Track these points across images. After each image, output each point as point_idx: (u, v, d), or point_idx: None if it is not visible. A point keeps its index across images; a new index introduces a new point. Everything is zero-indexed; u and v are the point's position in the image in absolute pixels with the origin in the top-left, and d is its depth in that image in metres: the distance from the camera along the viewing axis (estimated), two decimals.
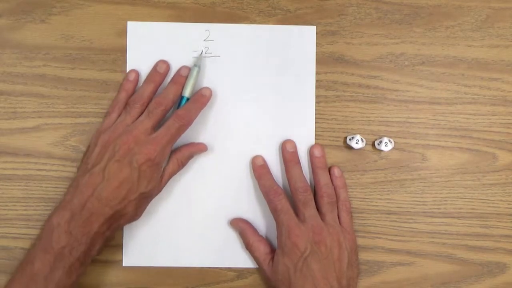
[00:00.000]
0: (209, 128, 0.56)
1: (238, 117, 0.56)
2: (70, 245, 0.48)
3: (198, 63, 0.54)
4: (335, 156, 0.56)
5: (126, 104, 0.53)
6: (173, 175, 0.53)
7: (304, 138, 0.56)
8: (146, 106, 0.53)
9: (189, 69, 0.54)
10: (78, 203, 0.49)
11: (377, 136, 0.56)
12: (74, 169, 0.55)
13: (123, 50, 0.56)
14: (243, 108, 0.56)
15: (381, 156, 0.56)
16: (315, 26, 0.56)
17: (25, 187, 0.55)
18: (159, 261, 0.55)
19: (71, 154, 0.55)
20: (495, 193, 0.56)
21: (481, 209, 0.56)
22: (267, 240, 0.55)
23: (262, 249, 0.53)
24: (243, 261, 0.56)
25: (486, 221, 0.56)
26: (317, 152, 0.55)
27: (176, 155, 0.53)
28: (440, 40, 0.57)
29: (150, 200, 0.53)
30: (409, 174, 0.56)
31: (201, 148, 0.55)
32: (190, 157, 0.54)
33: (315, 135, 0.56)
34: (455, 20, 0.57)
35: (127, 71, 0.55)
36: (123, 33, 0.56)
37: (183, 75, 0.54)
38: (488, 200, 0.56)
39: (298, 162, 0.55)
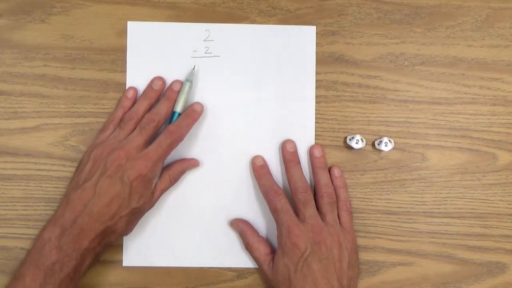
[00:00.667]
0: (209, 128, 0.56)
1: (238, 117, 0.56)
2: (61, 261, 0.48)
3: (190, 78, 0.54)
4: (335, 156, 0.56)
5: (121, 120, 0.54)
6: (164, 191, 0.54)
7: (304, 138, 0.56)
8: (140, 122, 0.53)
9: (182, 84, 0.54)
10: (69, 219, 0.49)
11: (377, 136, 0.56)
12: (74, 169, 0.55)
13: (123, 50, 0.56)
14: (243, 108, 0.56)
15: (381, 156, 0.56)
16: (315, 26, 0.56)
17: (25, 187, 0.55)
18: (159, 261, 0.55)
19: (71, 154, 0.55)
20: (495, 193, 0.56)
21: (481, 209, 0.56)
22: (267, 241, 0.55)
23: (262, 250, 0.53)
24: (243, 261, 0.56)
25: (486, 221, 0.56)
26: (317, 152, 0.55)
27: (168, 171, 0.53)
28: (440, 40, 0.57)
29: (141, 216, 0.53)
30: (409, 174, 0.56)
31: (193, 164, 0.55)
32: (182, 172, 0.55)
33: (315, 135, 0.56)
34: (455, 20, 0.57)
35: (126, 88, 0.55)
36: (123, 33, 0.56)
37: (175, 90, 0.54)
38: (488, 200, 0.56)
39: (298, 162, 0.55)
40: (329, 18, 0.56)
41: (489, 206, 0.56)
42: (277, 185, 0.54)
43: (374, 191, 0.56)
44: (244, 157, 0.56)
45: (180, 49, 0.56)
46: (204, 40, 0.56)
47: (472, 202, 0.56)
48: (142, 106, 0.54)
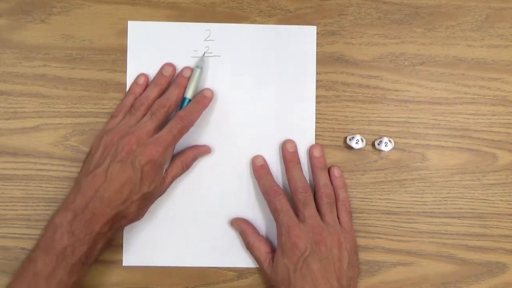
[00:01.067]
0: (209, 128, 0.56)
1: (238, 117, 0.56)
2: (72, 245, 0.48)
3: (200, 64, 0.55)
4: (335, 156, 0.56)
5: (131, 106, 0.54)
6: (176, 177, 0.54)
7: (304, 138, 0.56)
8: (151, 108, 0.53)
9: (192, 70, 0.55)
10: (80, 204, 0.49)
11: (377, 136, 0.56)
12: (74, 169, 0.55)
13: (123, 50, 0.56)
14: (243, 108, 0.56)
15: (381, 156, 0.56)
16: (315, 26, 0.56)
17: (25, 187, 0.55)
18: (159, 261, 0.55)
19: (71, 154, 0.55)
20: (495, 193, 0.56)
21: (481, 209, 0.56)
22: (268, 240, 0.55)
23: (262, 249, 0.53)
24: (243, 261, 0.56)
25: (486, 221, 0.56)
26: (316, 152, 0.55)
27: (180, 158, 0.53)
28: (440, 40, 0.57)
29: (153, 202, 0.53)
30: (409, 174, 0.56)
31: (205, 150, 0.55)
32: (194, 159, 0.55)
33: (315, 135, 0.56)
34: (455, 20, 0.57)
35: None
36: (123, 33, 0.56)
37: (185, 77, 0.54)
38: (488, 200, 0.56)
39: (298, 162, 0.55)
40: (329, 18, 0.56)
41: (489, 206, 0.56)
42: (277, 185, 0.54)
43: (374, 191, 0.56)
44: (244, 157, 0.56)
45: (181, 49, 0.56)
46: (204, 40, 0.56)
47: (472, 202, 0.56)
48: (152, 93, 0.54)
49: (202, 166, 0.56)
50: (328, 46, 0.56)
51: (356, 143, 0.55)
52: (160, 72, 0.55)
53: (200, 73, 0.54)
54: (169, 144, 0.51)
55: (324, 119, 0.56)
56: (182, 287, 0.56)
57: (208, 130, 0.56)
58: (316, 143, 0.56)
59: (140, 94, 0.54)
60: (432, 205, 0.56)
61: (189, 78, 0.54)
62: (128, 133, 0.51)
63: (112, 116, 0.54)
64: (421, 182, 0.56)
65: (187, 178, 0.56)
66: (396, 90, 0.56)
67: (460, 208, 0.56)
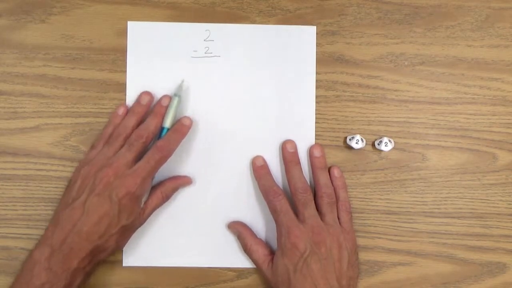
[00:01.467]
0: (209, 128, 0.56)
1: (238, 117, 0.56)
2: (50, 282, 0.47)
3: (178, 93, 0.54)
4: (335, 156, 0.56)
5: (109, 137, 0.53)
6: (156, 208, 0.53)
7: (304, 138, 0.56)
8: (129, 139, 0.52)
9: (170, 99, 0.54)
10: (58, 238, 0.48)
11: (377, 136, 0.56)
12: (74, 169, 0.55)
13: (123, 50, 0.56)
14: (243, 108, 0.56)
15: (381, 156, 0.56)
16: (315, 26, 0.56)
17: (25, 187, 0.55)
18: (159, 261, 0.55)
19: (71, 154, 0.55)
20: (495, 193, 0.56)
21: (481, 209, 0.56)
22: (265, 242, 0.55)
23: (260, 251, 0.53)
24: (243, 261, 0.55)
25: (486, 221, 0.56)
26: (316, 152, 0.55)
27: (161, 188, 0.53)
28: (440, 40, 0.57)
29: (132, 233, 0.52)
30: (409, 174, 0.56)
31: (186, 181, 0.55)
32: (174, 190, 0.54)
33: (315, 135, 0.56)
34: (455, 20, 0.57)
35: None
36: (123, 33, 0.56)
37: (163, 105, 0.54)
38: (488, 200, 0.56)
39: (298, 163, 0.55)
40: (329, 18, 0.56)
41: (489, 206, 0.56)
42: (277, 186, 0.54)
43: (374, 191, 0.56)
44: (244, 157, 0.56)
45: (180, 49, 0.56)
46: (204, 40, 0.56)
47: (472, 202, 0.56)
48: (130, 122, 0.53)
49: (202, 166, 0.56)
50: (328, 46, 0.56)
51: (356, 143, 0.55)
52: (138, 101, 0.55)
53: (179, 101, 0.54)
54: (147, 175, 0.50)
55: (324, 119, 0.56)
56: (182, 287, 0.56)
57: (208, 131, 0.56)
58: (316, 143, 0.56)
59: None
60: (432, 205, 0.56)
61: (167, 107, 0.54)
62: (106, 165, 0.50)
63: (92, 146, 0.54)
64: (421, 182, 0.56)
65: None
66: (396, 90, 0.56)
67: (460, 208, 0.56)
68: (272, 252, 0.53)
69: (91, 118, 0.56)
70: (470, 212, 0.56)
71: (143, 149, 0.52)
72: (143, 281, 0.55)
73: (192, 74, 0.56)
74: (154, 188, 0.53)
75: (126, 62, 0.56)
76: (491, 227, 0.56)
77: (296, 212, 0.52)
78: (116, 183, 0.49)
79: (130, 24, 0.56)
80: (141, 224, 0.52)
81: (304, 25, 0.56)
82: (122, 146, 0.52)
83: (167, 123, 0.53)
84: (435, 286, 0.56)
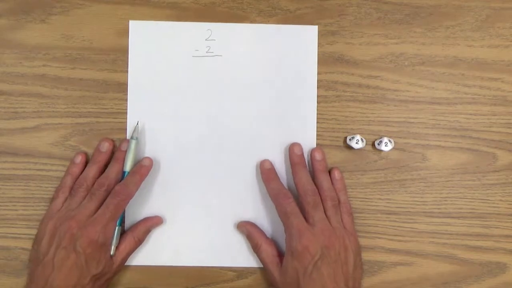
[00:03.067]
0: (210, 127, 0.56)
1: (239, 116, 0.56)
2: None
3: (134, 136, 0.54)
4: (335, 156, 0.56)
5: (71, 189, 0.53)
6: (131, 253, 0.53)
7: (306, 138, 0.56)
8: (91, 189, 0.52)
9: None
10: None
11: (377, 136, 0.56)
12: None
13: (123, 50, 0.56)
14: (244, 107, 0.56)
15: (381, 156, 0.56)
16: (316, 26, 0.56)
17: (25, 187, 0.55)
18: (159, 261, 0.55)
19: (71, 154, 0.55)
20: (495, 193, 0.56)
21: (481, 209, 0.56)
22: (275, 243, 0.55)
23: (270, 251, 0.53)
24: (243, 261, 0.55)
25: (486, 221, 0.56)
26: (318, 156, 0.55)
27: (132, 233, 0.53)
28: (440, 40, 0.57)
29: (108, 281, 0.52)
30: (409, 174, 0.56)
31: (156, 222, 0.55)
32: (146, 232, 0.54)
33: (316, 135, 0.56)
34: (455, 20, 0.57)
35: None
36: (123, 33, 0.56)
37: (123, 150, 0.54)
38: (488, 200, 0.56)
39: (306, 165, 0.55)
40: (329, 18, 0.56)
41: (489, 206, 0.56)
42: (286, 189, 0.54)
43: (374, 191, 0.56)
44: (245, 157, 0.56)
45: (182, 48, 0.56)
46: (206, 40, 0.56)
47: (472, 202, 0.56)
48: (91, 172, 0.53)
49: (202, 166, 0.56)
50: (328, 46, 0.56)
51: (356, 143, 0.55)
52: (97, 149, 0.55)
53: (136, 144, 0.54)
54: (107, 222, 0.50)
55: (324, 119, 0.56)
56: (182, 287, 0.55)
57: (208, 130, 0.56)
58: (317, 146, 0.55)
59: (78, 174, 0.54)
60: (432, 205, 0.56)
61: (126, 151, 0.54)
62: (69, 217, 0.50)
63: (53, 198, 0.54)
64: (421, 182, 0.56)
65: (187, 178, 0.56)
66: (396, 90, 0.56)
67: (460, 208, 0.56)
68: (280, 253, 0.53)
69: (91, 118, 0.56)
70: (470, 212, 0.56)
71: (106, 197, 0.52)
72: (143, 281, 0.55)
73: (193, 73, 0.56)
74: (126, 233, 0.54)
75: (126, 62, 0.56)
76: (491, 227, 0.56)
77: (304, 215, 0.52)
78: (78, 234, 0.49)
79: (132, 23, 0.56)
80: (115, 270, 0.52)
81: (304, 25, 0.56)
82: (84, 197, 0.52)
83: (127, 167, 0.53)
84: (435, 286, 0.56)
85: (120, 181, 0.53)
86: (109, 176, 0.53)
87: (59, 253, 0.49)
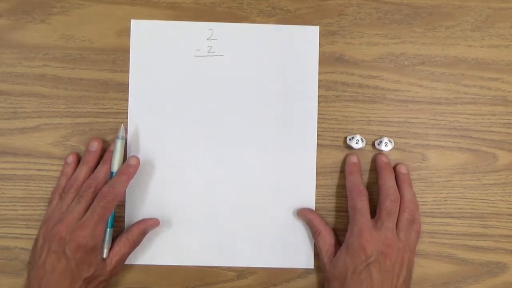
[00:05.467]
0: (210, 127, 0.56)
1: (239, 116, 0.56)
2: None
3: (120, 135, 0.54)
4: (335, 156, 0.56)
5: (62, 191, 0.53)
6: (126, 255, 0.53)
7: (306, 138, 0.56)
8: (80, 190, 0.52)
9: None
10: None
11: (377, 136, 0.56)
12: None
13: (123, 50, 0.56)
14: (245, 107, 0.56)
15: None
16: (318, 26, 0.56)
17: (25, 187, 0.55)
18: (159, 261, 0.55)
19: None
20: (495, 193, 0.56)
21: (481, 209, 0.56)
22: (333, 232, 0.54)
23: (327, 240, 0.53)
24: (243, 260, 0.56)
25: (486, 221, 0.56)
26: (403, 169, 0.55)
27: (127, 235, 0.53)
28: (440, 40, 0.57)
29: (104, 281, 0.52)
30: (409, 174, 0.56)
31: (152, 224, 0.54)
32: (142, 234, 0.54)
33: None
34: (455, 20, 0.57)
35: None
36: (123, 33, 0.56)
37: (111, 150, 0.54)
38: (488, 200, 0.56)
39: (393, 172, 0.55)
40: (329, 18, 0.56)
41: (489, 206, 0.56)
42: (363, 186, 0.53)
43: (374, 191, 0.56)
44: (245, 156, 0.56)
45: (183, 48, 0.56)
46: (207, 39, 0.56)
47: (472, 202, 0.56)
48: (81, 173, 0.53)
49: (202, 166, 0.56)
50: (328, 46, 0.56)
51: (356, 143, 0.55)
52: (87, 149, 0.54)
53: (122, 144, 0.54)
54: (95, 224, 0.50)
55: (324, 119, 0.56)
56: (182, 287, 0.56)
57: (209, 130, 0.56)
58: (401, 163, 0.55)
59: (71, 174, 0.54)
60: (432, 205, 0.56)
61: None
62: (58, 221, 0.50)
63: (49, 201, 0.54)
64: (421, 182, 0.56)
65: (187, 178, 0.56)
66: (396, 90, 0.56)
67: (460, 208, 0.56)
68: (337, 244, 0.53)
69: (91, 118, 0.56)
70: (470, 212, 0.56)
71: (94, 199, 0.51)
72: (143, 281, 0.55)
73: (194, 73, 0.56)
74: (120, 235, 0.53)
75: (126, 62, 0.56)
76: (491, 227, 0.56)
77: (375, 217, 0.52)
78: (67, 238, 0.49)
79: (133, 23, 0.56)
80: (112, 272, 0.52)
81: (304, 25, 0.56)
82: (74, 199, 0.52)
83: (115, 167, 0.53)
84: (435, 286, 0.56)
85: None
86: (98, 177, 0.52)
87: (50, 257, 0.49)
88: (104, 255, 0.52)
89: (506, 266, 0.56)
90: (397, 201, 0.52)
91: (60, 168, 0.55)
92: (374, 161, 0.56)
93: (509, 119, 0.56)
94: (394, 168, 0.55)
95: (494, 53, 0.57)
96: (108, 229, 0.52)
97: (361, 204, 0.52)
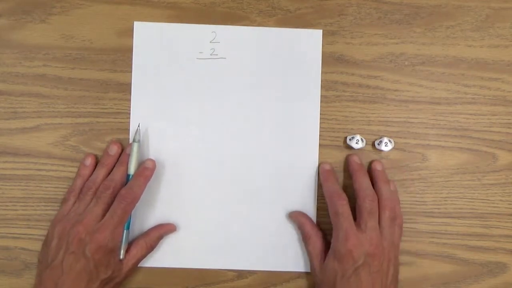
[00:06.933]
0: (212, 128, 0.56)
1: (242, 118, 0.56)
2: None
3: (136, 138, 0.54)
4: (335, 156, 0.56)
5: (80, 192, 0.53)
6: (142, 258, 0.53)
7: (308, 140, 0.56)
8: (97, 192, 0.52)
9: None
10: None
11: (377, 136, 0.56)
12: (74, 169, 0.55)
13: (123, 50, 0.56)
14: (248, 110, 0.56)
15: (381, 156, 0.56)
16: (321, 30, 0.56)
17: (25, 187, 0.55)
18: (160, 262, 0.55)
19: (71, 154, 0.55)
20: (495, 193, 0.56)
21: (481, 209, 0.56)
22: (324, 237, 0.54)
23: (317, 245, 0.53)
24: (244, 263, 0.55)
25: (486, 221, 0.56)
26: (378, 166, 0.55)
27: (145, 238, 0.53)
28: (440, 40, 0.57)
29: (119, 283, 0.52)
30: (409, 174, 0.56)
31: (170, 229, 0.55)
32: (159, 238, 0.54)
33: None
34: (455, 20, 0.57)
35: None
36: (123, 33, 0.56)
37: (127, 153, 0.54)
38: (488, 200, 0.56)
39: (367, 173, 0.55)
40: (329, 18, 0.56)
41: (489, 206, 0.56)
42: (342, 191, 0.53)
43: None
44: (248, 158, 0.56)
45: (186, 50, 0.56)
46: (210, 42, 0.56)
47: (472, 202, 0.56)
48: (99, 175, 0.53)
49: (202, 167, 0.56)
50: (328, 46, 0.56)
51: (356, 143, 0.55)
52: (106, 152, 0.55)
53: (138, 147, 0.54)
54: (115, 227, 0.50)
55: (324, 119, 0.56)
56: (182, 287, 0.56)
57: (211, 131, 0.56)
58: (377, 160, 0.55)
59: (88, 176, 0.54)
60: (432, 205, 0.56)
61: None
62: (77, 221, 0.50)
63: (63, 201, 0.54)
64: (421, 182, 0.56)
65: (187, 179, 0.56)
66: (396, 90, 0.56)
67: (460, 208, 0.56)
68: (327, 248, 0.53)
69: (91, 118, 0.56)
70: (470, 212, 0.56)
71: (112, 200, 0.52)
72: (143, 281, 0.55)
73: (197, 76, 0.56)
74: (138, 238, 0.54)
75: (126, 62, 0.56)
76: (491, 227, 0.56)
77: (357, 219, 0.52)
78: (87, 239, 0.49)
79: (136, 25, 0.56)
80: (124, 274, 0.52)
81: (304, 25, 0.56)
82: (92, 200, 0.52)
83: (131, 170, 0.53)
84: (435, 286, 0.56)
85: (125, 184, 0.53)
86: (114, 179, 0.53)
87: (68, 257, 0.49)
88: (121, 256, 0.52)
89: (506, 266, 0.56)
90: (376, 200, 0.52)
91: (60, 168, 0.55)
92: (345, 162, 0.56)
93: (509, 119, 0.56)
94: (370, 165, 0.55)
95: (494, 53, 0.57)
96: (125, 230, 0.52)
97: (343, 208, 0.52)
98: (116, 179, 0.53)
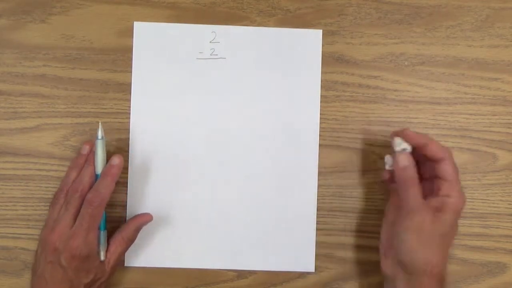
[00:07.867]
0: (212, 128, 0.56)
1: (242, 118, 0.56)
2: None
3: (99, 136, 0.52)
4: (335, 156, 0.56)
5: (54, 197, 0.53)
6: (123, 253, 0.53)
7: (309, 140, 0.56)
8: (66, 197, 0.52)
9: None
10: None
11: (377, 136, 0.56)
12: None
13: (123, 50, 0.56)
14: (247, 110, 0.56)
15: (381, 156, 0.56)
16: (321, 30, 0.56)
17: (25, 187, 0.55)
18: (160, 262, 0.55)
19: (71, 154, 0.55)
20: (495, 193, 0.56)
21: (481, 209, 0.56)
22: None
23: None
24: (244, 263, 0.55)
25: (486, 221, 0.56)
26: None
27: (121, 233, 0.52)
28: (440, 40, 0.57)
29: (104, 282, 0.52)
30: None
31: (146, 219, 0.54)
32: (136, 230, 0.53)
33: None
34: (455, 20, 0.57)
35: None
36: (123, 33, 0.56)
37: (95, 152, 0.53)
38: (488, 200, 0.56)
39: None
40: (329, 18, 0.56)
41: (489, 206, 0.56)
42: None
43: (374, 191, 0.56)
44: (247, 158, 0.56)
45: (186, 51, 0.56)
46: (210, 42, 0.56)
47: (472, 202, 0.56)
48: (72, 176, 0.53)
49: (203, 167, 0.56)
50: (328, 46, 0.56)
51: (403, 149, 0.50)
52: (78, 152, 0.54)
53: (102, 144, 0.52)
54: (86, 233, 0.49)
55: (324, 119, 0.56)
56: (182, 287, 0.56)
57: (211, 132, 0.56)
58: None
59: (75, 177, 0.53)
60: None
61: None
62: (51, 230, 0.50)
63: (51, 204, 0.53)
64: None
65: (188, 179, 0.56)
66: (396, 90, 0.56)
67: None
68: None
69: (91, 118, 0.56)
70: (470, 212, 0.56)
71: (81, 203, 0.50)
72: (143, 281, 0.55)
73: (197, 76, 0.56)
74: (115, 234, 0.53)
75: (126, 62, 0.56)
76: (491, 227, 0.56)
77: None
78: (61, 248, 0.49)
79: (136, 25, 0.56)
80: (110, 272, 0.52)
81: (304, 25, 0.56)
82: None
83: (98, 169, 0.52)
84: None
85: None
86: (82, 180, 0.51)
87: (47, 267, 0.49)
88: (102, 258, 0.51)
89: (506, 266, 0.56)
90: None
91: (61, 168, 0.55)
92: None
93: (509, 119, 0.56)
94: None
95: (494, 53, 0.57)
96: (102, 231, 0.51)
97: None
98: (84, 180, 0.51)
